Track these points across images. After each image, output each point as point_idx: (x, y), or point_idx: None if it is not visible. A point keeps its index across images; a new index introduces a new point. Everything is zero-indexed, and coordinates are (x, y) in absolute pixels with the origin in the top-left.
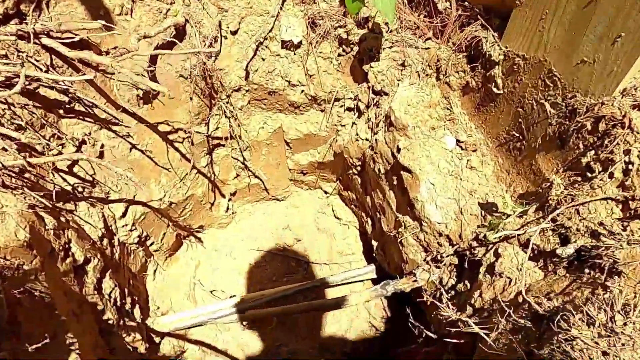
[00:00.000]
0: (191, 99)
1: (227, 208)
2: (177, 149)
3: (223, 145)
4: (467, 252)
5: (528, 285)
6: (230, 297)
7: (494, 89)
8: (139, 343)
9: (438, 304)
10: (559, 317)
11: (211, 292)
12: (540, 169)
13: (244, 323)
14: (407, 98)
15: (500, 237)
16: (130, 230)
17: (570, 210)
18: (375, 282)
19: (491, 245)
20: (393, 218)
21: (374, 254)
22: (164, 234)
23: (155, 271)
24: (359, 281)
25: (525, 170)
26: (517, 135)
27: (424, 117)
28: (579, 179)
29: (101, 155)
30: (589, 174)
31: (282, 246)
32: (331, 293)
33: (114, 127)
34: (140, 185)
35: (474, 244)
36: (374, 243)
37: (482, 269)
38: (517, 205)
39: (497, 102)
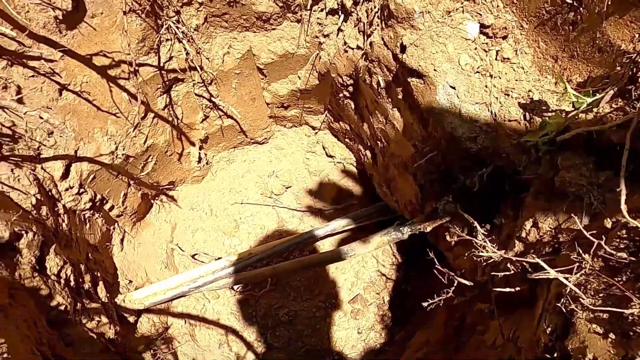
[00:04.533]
0: (124, 12)
1: (200, 158)
2: (123, 88)
3: (182, 80)
4: (508, 170)
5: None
6: (216, 259)
7: None
8: (105, 328)
9: (475, 241)
10: None
11: (193, 256)
12: (610, 41)
13: (235, 288)
14: None
15: (561, 139)
16: (79, 194)
17: None
18: (384, 224)
19: (547, 156)
20: (401, 144)
21: (377, 193)
22: (125, 195)
23: (122, 240)
24: (365, 224)
25: (584, 50)
26: (570, 1)
27: None
28: None
29: (20, 101)
30: None
31: (270, 196)
32: (332, 245)
33: (32, 63)
34: (63, 131)
35: (519, 157)
36: (377, 179)
37: (534, 190)
38: (582, 95)
39: None
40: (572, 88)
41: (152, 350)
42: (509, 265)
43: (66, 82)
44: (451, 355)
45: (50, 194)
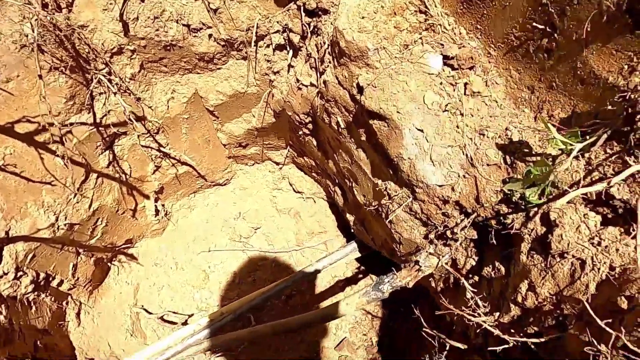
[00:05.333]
0: (39, 77)
1: (157, 211)
2: (55, 153)
3: (125, 133)
4: (492, 222)
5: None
6: (188, 316)
7: None
8: None
9: (465, 314)
10: None
11: (161, 318)
12: (594, 72)
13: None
14: (358, 8)
15: (555, 197)
16: (17, 279)
17: None
18: (360, 261)
19: (534, 210)
20: (370, 186)
21: (352, 230)
22: (75, 265)
23: (78, 314)
24: (341, 263)
25: (564, 81)
26: (542, 27)
27: (389, 32)
28: None
29: None
30: None
31: (239, 240)
32: (310, 285)
33: None
34: None
35: (504, 208)
36: (350, 217)
37: (525, 247)
38: (568, 136)
39: None
40: (554, 125)
41: None
42: (506, 338)
43: None
44: None
45: None
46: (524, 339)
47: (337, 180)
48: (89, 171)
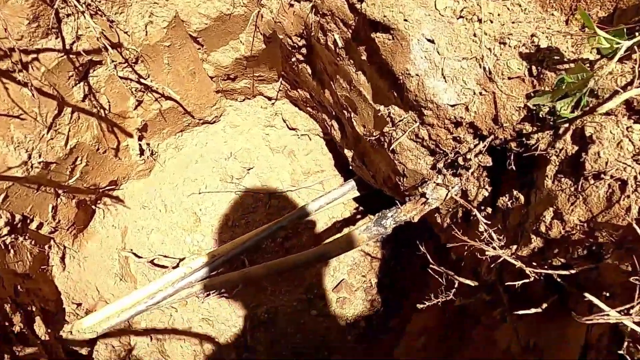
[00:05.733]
0: None
1: (141, 150)
2: (21, 83)
3: (101, 63)
4: (512, 144)
5: None
6: (179, 260)
7: None
8: None
9: (482, 245)
10: None
11: (151, 262)
12: None
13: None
14: None
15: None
16: None
17: None
18: (359, 201)
19: (565, 127)
20: (371, 114)
21: (350, 167)
22: (55, 207)
23: (63, 258)
24: (338, 203)
25: None
26: None
27: None
28: None
29: None
30: None
31: (231, 181)
32: (306, 226)
33: None
34: None
35: (527, 127)
36: (348, 153)
37: (551, 170)
38: (613, 34)
39: None
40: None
41: None
42: (526, 269)
43: None
44: (455, 348)
45: None
46: (551, 271)
47: (334, 113)
48: (63, 105)
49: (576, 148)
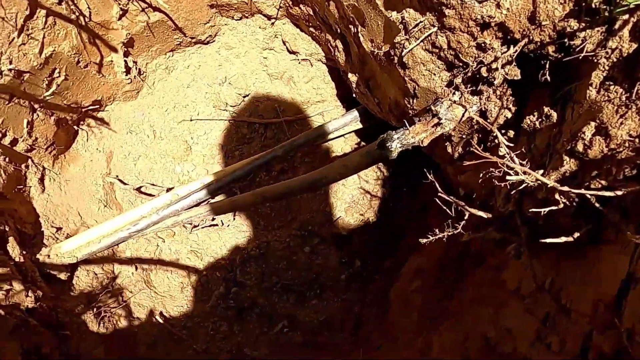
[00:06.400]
0: None
1: (127, 67)
2: None
3: None
4: (550, 49)
5: None
6: (167, 190)
7: None
8: (20, 296)
9: (506, 164)
10: None
11: (138, 189)
12: None
13: (189, 225)
14: None
15: None
16: None
17: None
18: (360, 135)
19: (624, 19)
20: (381, 24)
21: (354, 95)
22: (30, 123)
23: (42, 179)
24: (339, 137)
25: None
26: None
27: None
28: None
29: None
30: None
31: (225, 108)
32: (302, 159)
33: None
34: None
35: (572, 23)
36: (352, 78)
37: (597, 77)
38: None
39: None
40: None
41: (95, 309)
42: (555, 195)
43: None
44: (450, 291)
45: None
46: (593, 192)
47: (339, 30)
48: (35, 6)
49: (634, 46)
